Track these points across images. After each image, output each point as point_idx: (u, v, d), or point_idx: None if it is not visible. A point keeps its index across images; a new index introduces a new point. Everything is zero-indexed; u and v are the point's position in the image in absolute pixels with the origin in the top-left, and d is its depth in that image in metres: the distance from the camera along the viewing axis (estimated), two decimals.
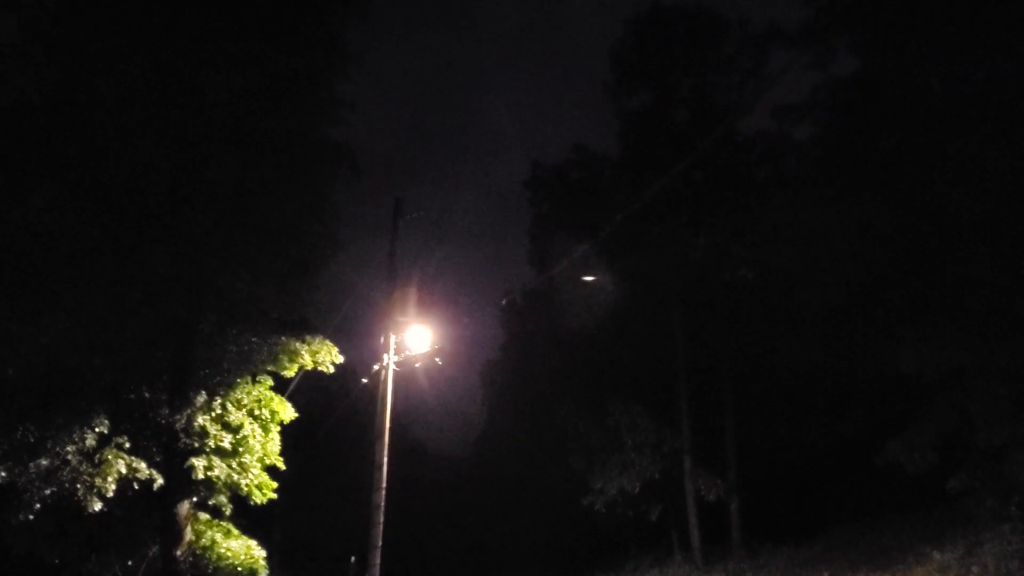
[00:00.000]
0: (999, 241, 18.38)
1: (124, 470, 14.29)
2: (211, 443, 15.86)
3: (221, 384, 16.25)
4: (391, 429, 17.86)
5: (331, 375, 18.72)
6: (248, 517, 18.63)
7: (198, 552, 16.38)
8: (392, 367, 17.92)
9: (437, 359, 18.95)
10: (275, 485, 17.24)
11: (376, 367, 18.21)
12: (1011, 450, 18.08)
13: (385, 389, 17.75)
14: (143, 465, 14.63)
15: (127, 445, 14.71)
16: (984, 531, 18.02)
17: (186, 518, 16.17)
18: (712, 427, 29.05)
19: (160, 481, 15.09)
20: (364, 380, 18.90)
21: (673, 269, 29.07)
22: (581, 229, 29.23)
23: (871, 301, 21.71)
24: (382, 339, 18.17)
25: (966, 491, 19.23)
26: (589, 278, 28.89)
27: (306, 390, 19.86)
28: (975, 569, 16.58)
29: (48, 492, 13.91)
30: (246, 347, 16.29)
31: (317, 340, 17.59)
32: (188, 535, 16.17)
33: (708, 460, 28.36)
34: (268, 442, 17.07)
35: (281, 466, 17.43)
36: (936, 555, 18.04)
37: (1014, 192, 18.01)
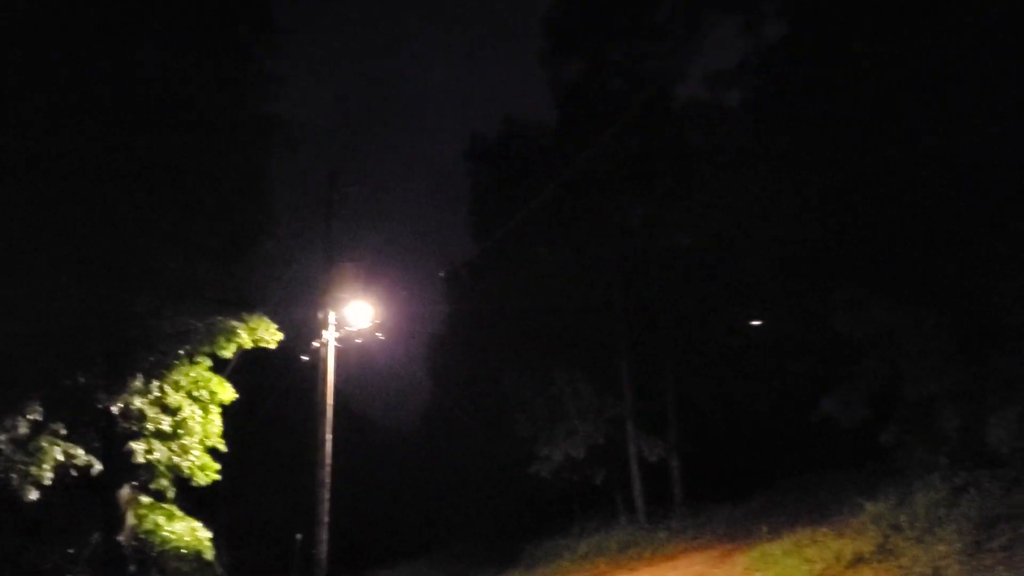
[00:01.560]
0: (929, 203, 18.90)
1: (61, 457, 14.05)
2: (150, 426, 15.67)
3: (158, 366, 16.01)
4: (335, 405, 17.85)
5: (272, 353, 18.56)
6: (192, 499, 18.45)
7: (141, 536, 16.23)
8: (333, 343, 17.87)
9: (379, 334, 18.94)
10: (218, 466, 17.11)
11: (316, 344, 18.14)
12: (939, 403, 18.74)
13: (326, 366, 17.71)
14: (80, 451, 14.41)
15: (63, 432, 14.45)
16: (914, 481, 18.66)
17: (127, 503, 15.99)
18: (653, 391, 29.59)
19: (99, 467, 14.89)
20: (304, 357, 18.77)
21: (612, 238, 29.35)
22: (521, 200, 29.29)
23: (805, 263, 22.20)
24: (321, 315, 18.09)
25: (897, 443, 19.92)
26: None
27: (246, 369, 19.64)
28: (905, 518, 17.19)
29: None
30: (183, 328, 16.02)
31: (255, 318, 17.37)
32: (130, 520, 16.01)
33: (650, 423, 28.92)
34: (209, 423, 16.90)
35: (223, 447, 17.27)
36: (869, 506, 18.65)
37: (939, 156, 18.51)
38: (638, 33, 29.52)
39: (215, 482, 17.21)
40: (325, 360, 17.67)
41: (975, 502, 16.49)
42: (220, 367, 17.90)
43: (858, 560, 16.60)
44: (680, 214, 28.10)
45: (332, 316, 18.00)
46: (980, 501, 16.44)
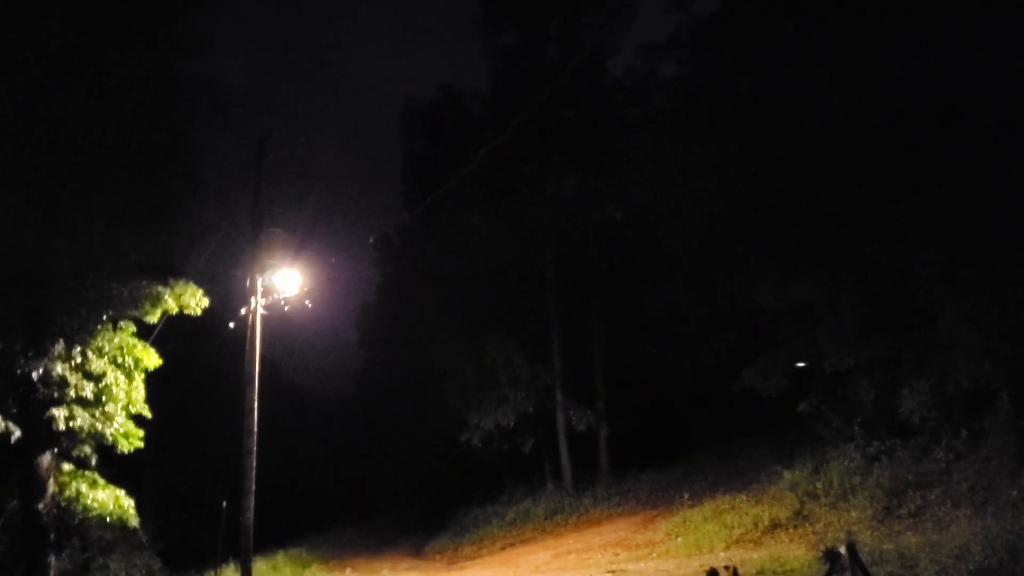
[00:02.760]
0: (847, 182, 19.44)
1: None
2: (72, 393, 15.36)
3: (80, 332, 15.64)
4: (263, 373, 17.67)
5: (199, 320, 18.27)
6: (116, 467, 18.16)
7: (63, 504, 15.93)
8: (260, 311, 17.66)
9: (307, 301, 18.74)
10: (142, 433, 16.85)
11: (243, 311, 17.90)
12: (854, 375, 19.45)
13: (254, 333, 17.48)
14: None
15: None
16: (830, 449, 19.41)
17: (48, 470, 15.66)
18: (583, 361, 30.01)
19: (17, 434, 14.57)
20: (231, 324, 18.52)
21: (545, 208, 29.52)
22: (455, 168, 29.22)
23: (730, 238, 22.67)
24: (249, 282, 17.85)
25: (814, 414, 20.63)
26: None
27: (172, 335, 19.31)
28: (820, 485, 17.90)
29: None
30: (105, 293, 15.64)
31: (181, 284, 17.03)
32: (51, 487, 15.69)
33: (579, 393, 29.36)
34: (133, 390, 16.60)
35: (147, 414, 17.02)
36: (786, 474, 19.33)
37: (860, 134, 19.01)
38: (573, 4, 29.57)
39: (140, 450, 16.96)
40: (253, 327, 17.45)
41: (887, 470, 17.26)
42: (145, 333, 17.58)
43: (775, 526, 17.23)
44: (612, 187, 28.37)
45: (260, 283, 17.76)
46: (891, 470, 17.21)
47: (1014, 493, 13.91)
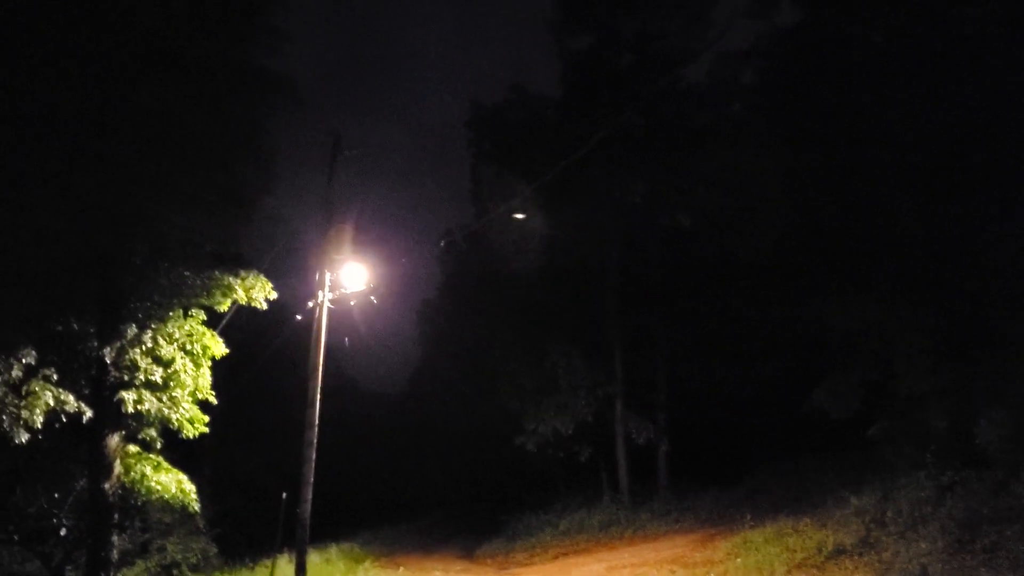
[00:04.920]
0: (926, 200, 18.83)
1: (52, 402, 14.01)
2: (141, 376, 15.65)
3: (152, 317, 15.94)
4: (325, 366, 17.77)
5: (264, 311, 18.48)
6: (179, 451, 18.46)
7: (127, 485, 16.22)
8: (327, 304, 17.75)
9: (372, 297, 18.83)
10: (207, 419, 17.12)
11: (311, 304, 18.02)
12: (929, 400, 18.76)
13: (319, 326, 17.60)
14: (71, 398, 14.37)
15: (55, 377, 14.38)
16: (900, 477, 18.72)
17: (115, 451, 15.95)
18: (644, 371, 29.58)
19: (89, 414, 14.84)
20: (298, 316, 18.68)
21: (610, 213, 29.18)
22: (522, 170, 29.06)
23: (801, 250, 22.14)
24: (317, 276, 17.97)
25: (885, 438, 19.96)
26: (520, 216, 28.85)
27: (238, 325, 19.56)
28: (890, 513, 17.24)
29: None
30: (178, 280, 15.94)
31: (251, 275, 17.30)
32: (117, 468, 15.98)
33: (639, 404, 28.93)
34: (199, 376, 16.89)
35: (213, 400, 17.28)
36: (853, 499, 18.70)
37: (944, 152, 18.41)
38: (649, 9, 29.18)
39: (201, 435, 17.21)
40: (319, 321, 17.56)
41: (960, 502, 16.53)
42: (213, 321, 17.82)
43: (839, 552, 16.65)
44: (681, 193, 27.91)
45: (328, 277, 17.86)
46: (965, 501, 16.47)
47: None
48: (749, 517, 20.95)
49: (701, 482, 27.15)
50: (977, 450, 17.30)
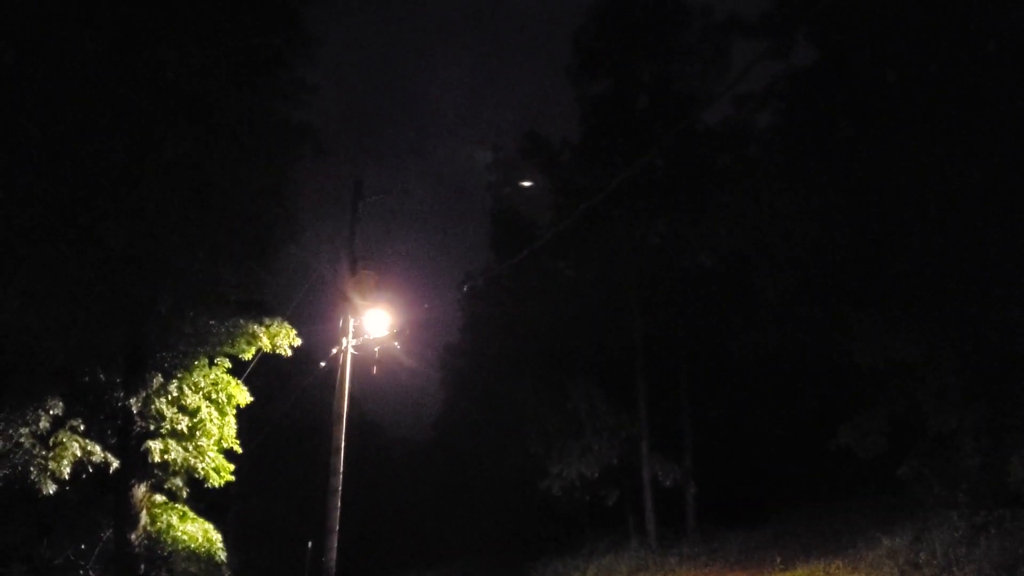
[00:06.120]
0: (949, 235, 18.74)
1: (79, 453, 14.10)
2: (167, 426, 15.71)
3: (178, 367, 16.07)
4: (349, 413, 17.78)
5: (289, 357, 18.57)
6: (204, 500, 18.47)
7: (153, 535, 16.22)
8: (351, 351, 17.82)
9: (396, 343, 18.89)
10: (232, 468, 17.14)
11: (335, 350, 18.09)
12: (959, 437, 18.49)
13: (344, 373, 17.63)
14: (98, 448, 14.45)
15: (82, 427, 14.49)
16: (932, 517, 18.40)
17: (141, 501, 15.99)
18: (669, 412, 29.39)
19: (116, 464, 14.91)
20: (322, 363, 18.75)
21: (632, 254, 29.23)
22: (543, 212, 29.30)
23: (826, 289, 22.03)
24: (341, 322, 18.06)
25: (915, 477, 19.63)
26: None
27: (262, 373, 19.66)
28: (923, 555, 16.95)
29: (0, 475, 13.67)
30: (203, 329, 16.07)
31: (276, 323, 17.42)
32: (143, 518, 16.00)
33: (665, 445, 28.68)
34: (225, 425, 16.93)
35: (238, 449, 17.31)
36: (885, 541, 18.40)
37: (963, 188, 18.36)
38: (667, 53, 29.50)
39: (227, 483, 17.22)
40: (343, 367, 17.61)
41: (995, 542, 16.23)
42: (238, 369, 17.94)
43: None
44: (701, 233, 27.94)
45: (351, 323, 17.96)
46: (1000, 542, 16.17)
47: None
48: (779, 560, 20.64)
49: (729, 524, 26.80)
50: (1010, 489, 17.00)
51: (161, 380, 15.67)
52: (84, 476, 14.69)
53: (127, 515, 15.70)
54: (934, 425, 18.81)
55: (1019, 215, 17.73)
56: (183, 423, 15.81)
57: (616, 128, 29.42)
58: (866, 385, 21.79)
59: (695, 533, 27.56)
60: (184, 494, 17.27)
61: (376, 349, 18.77)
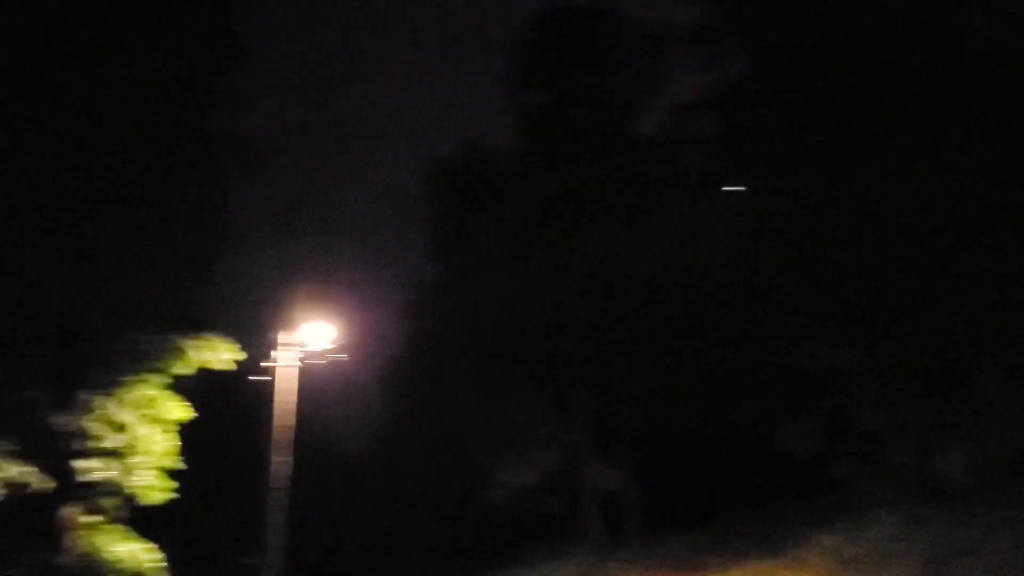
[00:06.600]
0: (883, 243, 19.25)
1: (15, 476, 13.74)
2: (102, 445, 15.37)
3: (111, 384, 15.72)
4: (292, 426, 17.66)
5: (228, 372, 18.30)
6: (145, 519, 18.07)
7: (86, 558, 15.84)
8: (291, 364, 17.72)
9: (337, 355, 18.84)
10: (173, 485, 16.79)
11: (270, 364, 17.97)
12: (890, 438, 19.07)
13: (284, 386, 17.54)
14: (34, 470, 14.09)
15: (14, 450, 14.13)
16: (865, 514, 18.91)
17: (71, 523, 15.60)
18: (611, 419, 29.60)
19: (44, 486, 14.56)
20: (262, 378, 18.57)
21: (573, 263, 29.42)
22: (483, 223, 29.39)
23: (765, 296, 22.45)
24: (280, 336, 17.96)
25: (849, 476, 20.18)
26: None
27: (202, 388, 19.37)
28: (856, 551, 17.42)
29: None
30: (135, 346, 15.72)
31: (213, 337, 17.14)
32: (75, 541, 15.62)
33: (607, 452, 28.91)
34: (163, 442, 16.60)
35: (178, 466, 16.98)
36: (820, 539, 18.85)
37: (899, 195, 18.87)
38: (603, 64, 29.85)
39: (167, 502, 16.89)
40: (283, 380, 17.50)
41: (925, 537, 16.75)
42: (178, 384, 17.62)
43: None
44: (640, 242, 28.25)
45: (290, 336, 17.85)
46: (930, 536, 16.71)
47: None
48: (719, 561, 20.94)
49: (671, 527, 27.06)
50: (939, 485, 17.59)
51: (94, 398, 15.35)
52: (12, 499, 14.32)
53: (59, 537, 15.32)
54: (867, 425, 19.35)
55: (950, 227, 18.22)
56: (117, 441, 15.48)
57: (555, 139, 29.65)
58: (804, 389, 22.27)
59: (638, 538, 27.76)
60: (122, 514, 16.88)
61: (317, 361, 18.71)
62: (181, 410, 17.01)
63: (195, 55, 15.61)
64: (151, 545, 16.72)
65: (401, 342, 42.34)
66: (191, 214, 15.67)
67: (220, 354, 17.13)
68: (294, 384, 18.06)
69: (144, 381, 16.62)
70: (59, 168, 14.37)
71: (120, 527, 16.64)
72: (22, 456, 14.30)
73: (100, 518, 16.45)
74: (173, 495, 16.77)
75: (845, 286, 20.01)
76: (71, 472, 15.04)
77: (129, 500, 16.58)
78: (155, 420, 16.55)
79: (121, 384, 15.85)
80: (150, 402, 16.55)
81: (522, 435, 28.96)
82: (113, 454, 15.65)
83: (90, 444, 15.30)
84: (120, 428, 15.80)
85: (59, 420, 14.87)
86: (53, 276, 13.94)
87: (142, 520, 17.82)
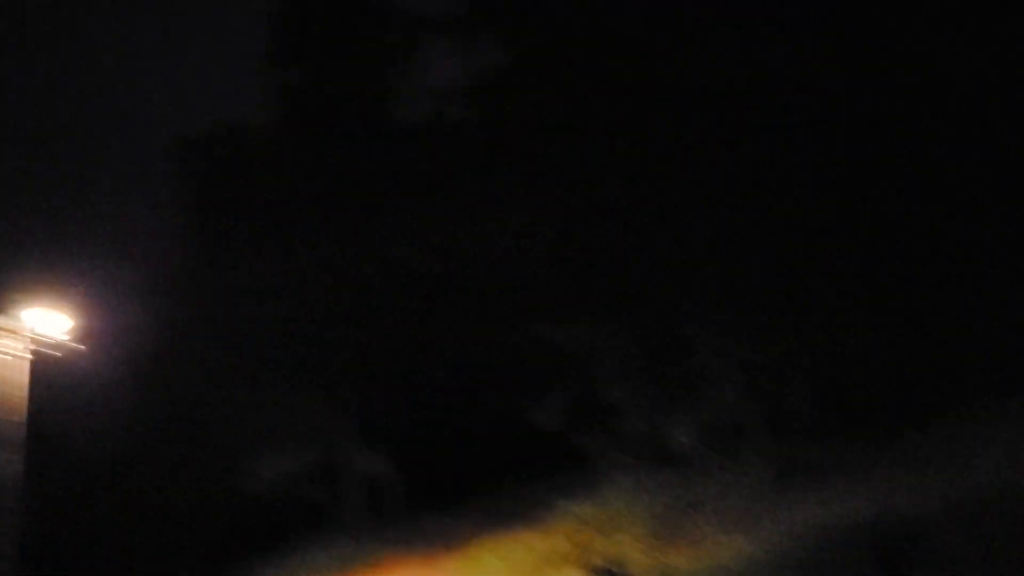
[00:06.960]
0: (621, 234, 20.58)
1: None
2: None
3: None
4: (22, 423, 16.39)
5: None
6: None
7: None
8: (18, 354, 16.40)
9: (74, 345, 17.64)
10: None
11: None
12: (626, 408, 20.64)
13: (11, 378, 16.22)
14: None
15: None
16: (604, 479, 20.40)
17: None
18: (372, 404, 29.69)
19: None
20: None
21: (336, 250, 29.14)
22: (233, 205, 28.51)
23: (520, 282, 23.34)
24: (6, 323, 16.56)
25: (591, 446, 21.61)
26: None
27: None
28: (596, 512, 18.81)
29: None
30: None
31: None
32: None
33: (369, 437, 29.00)
34: None
35: None
36: (565, 504, 20.11)
37: (639, 193, 20.25)
38: (358, 48, 29.72)
39: None
40: (9, 371, 16.16)
41: (659, 497, 18.41)
42: None
43: (556, 556, 17.89)
44: (402, 229, 28.45)
45: (15, 323, 16.46)
46: (663, 497, 18.39)
47: (769, 516, 15.34)
48: (475, 533, 21.74)
49: (432, 507, 27.61)
50: (671, 450, 19.31)
51: None
52: None
53: None
54: (607, 399, 20.78)
55: (680, 220, 19.75)
56: None
57: (312, 120, 29.22)
58: (553, 368, 23.45)
59: (400, 520, 28.12)
60: None
61: (52, 352, 17.43)
62: None
63: None
64: None
65: (151, 332, 40.12)
66: None
67: None
68: (24, 377, 16.72)
69: None
70: None
71: None
72: None
73: None
74: None
75: (588, 274, 21.24)
76: None
77: None
78: None
79: None
80: None
81: (281, 425, 28.47)
82: None
83: None
84: None
85: None
86: None
87: None
